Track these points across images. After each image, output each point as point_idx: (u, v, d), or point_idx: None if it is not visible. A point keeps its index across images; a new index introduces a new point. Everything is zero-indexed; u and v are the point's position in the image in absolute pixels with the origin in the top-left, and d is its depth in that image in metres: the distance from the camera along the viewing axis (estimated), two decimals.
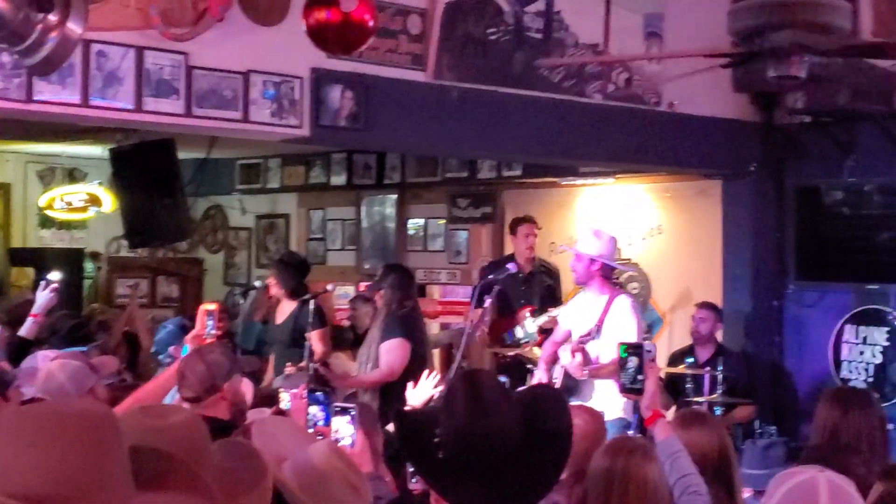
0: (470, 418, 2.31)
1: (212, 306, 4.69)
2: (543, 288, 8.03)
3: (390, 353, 6.62)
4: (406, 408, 4.57)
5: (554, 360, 6.53)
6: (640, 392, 3.78)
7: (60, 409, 1.58)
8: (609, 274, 6.52)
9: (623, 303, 6.35)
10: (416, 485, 3.69)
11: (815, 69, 3.36)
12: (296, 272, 7.92)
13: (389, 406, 6.10)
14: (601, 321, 6.32)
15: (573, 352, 6.25)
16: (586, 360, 6.23)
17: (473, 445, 2.29)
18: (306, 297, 7.40)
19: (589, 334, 6.35)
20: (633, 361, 3.82)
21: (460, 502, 2.32)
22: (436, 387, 4.87)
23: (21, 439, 1.50)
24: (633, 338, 6.13)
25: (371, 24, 4.21)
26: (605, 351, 6.24)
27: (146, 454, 1.63)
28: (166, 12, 5.43)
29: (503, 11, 6.54)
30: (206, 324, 4.57)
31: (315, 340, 7.25)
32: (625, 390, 3.88)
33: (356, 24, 4.08)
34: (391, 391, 6.47)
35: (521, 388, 5.02)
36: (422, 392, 4.88)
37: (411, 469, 3.63)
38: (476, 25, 6.43)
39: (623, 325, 6.24)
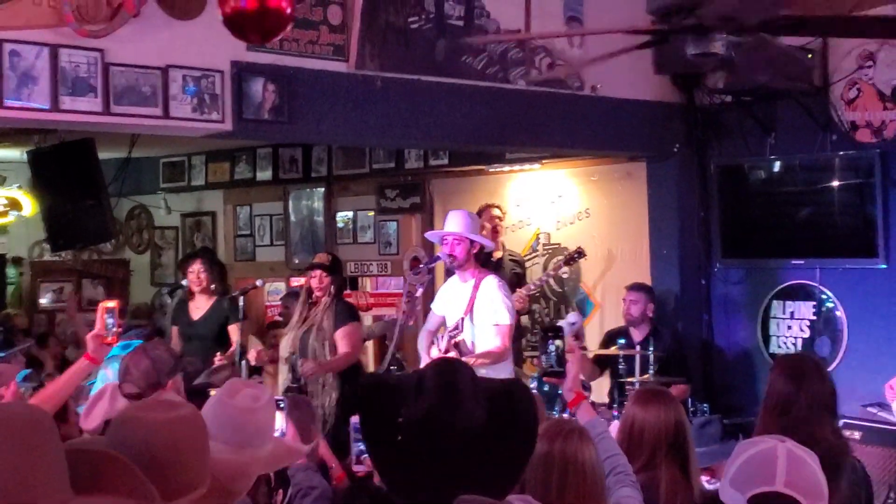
0: (440, 405, 2.25)
1: (111, 303, 4.57)
2: (512, 276, 8.04)
3: (351, 335, 6.85)
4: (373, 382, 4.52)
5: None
6: (561, 375, 3.78)
7: None
8: (480, 255, 6.53)
9: (490, 283, 6.32)
10: (359, 467, 3.67)
11: (734, 47, 3.39)
12: (221, 269, 7.94)
13: (350, 388, 6.14)
14: (471, 305, 6.30)
15: (446, 350, 6.23)
16: (461, 354, 6.20)
17: (438, 432, 2.24)
18: (236, 293, 7.40)
19: (457, 328, 6.33)
20: (553, 345, 3.82)
21: (404, 490, 2.27)
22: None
23: None
24: (504, 318, 6.16)
25: (288, 11, 4.16)
26: (480, 336, 6.23)
27: (84, 456, 1.60)
28: (80, 9, 5.32)
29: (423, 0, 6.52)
30: (106, 322, 4.46)
31: (234, 333, 7.40)
32: (546, 374, 3.88)
33: (273, 11, 4.04)
34: (352, 376, 6.70)
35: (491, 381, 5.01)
36: None
37: (356, 453, 3.61)
38: (397, 14, 6.40)
39: (492, 306, 6.21)
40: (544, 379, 3.84)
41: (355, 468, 3.96)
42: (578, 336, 7.54)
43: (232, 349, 7.31)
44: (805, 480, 2.50)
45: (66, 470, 1.52)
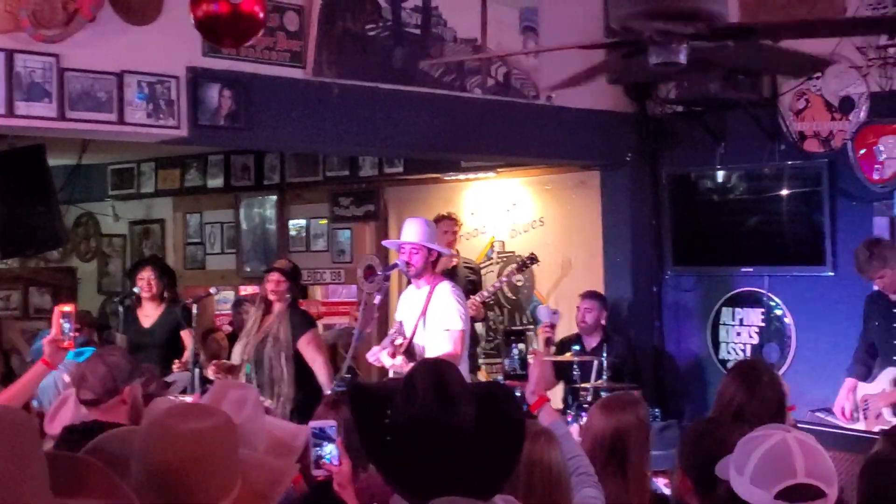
0: (429, 409, 2.27)
1: (67, 307, 4.54)
2: (468, 283, 8.05)
3: (314, 341, 6.91)
4: (360, 384, 4.52)
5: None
6: (524, 378, 3.81)
7: None
8: (436, 264, 6.56)
9: (444, 289, 6.33)
10: (318, 472, 3.67)
11: (696, 55, 3.45)
12: (171, 276, 7.92)
13: (310, 398, 6.13)
14: (424, 310, 6.33)
15: (392, 354, 6.24)
16: (410, 357, 6.21)
17: (429, 433, 2.25)
18: (190, 301, 7.37)
19: (399, 332, 6.34)
20: (517, 348, 3.86)
21: (405, 487, 2.29)
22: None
23: None
24: (456, 323, 6.19)
25: (261, 15, 4.17)
26: (431, 341, 6.26)
27: (64, 461, 1.60)
28: (36, 14, 5.28)
29: (381, 7, 6.54)
30: (62, 326, 4.43)
31: (188, 338, 7.41)
32: (509, 377, 3.91)
33: (245, 15, 4.04)
34: (308, 382, 6.73)
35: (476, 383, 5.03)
36: None
37: (315, 457, 3.61)
38: (354, 22, 6.42)
39: (443, 311, 6.25)
40: (507, 382, 3.86)
41: (315, 472, 3.97)
42: (553, 326, 7.59)
43: (187, 355, 7.29)
44: (822, 467, 2.54)
45: (46, 473, 1.52)
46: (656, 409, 7.23)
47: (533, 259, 8.24)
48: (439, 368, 2.39)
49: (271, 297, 6.94)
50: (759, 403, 4.11)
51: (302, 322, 6.94)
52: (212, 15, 4.02)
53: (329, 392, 5.55)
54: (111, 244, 12.75)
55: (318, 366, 6.87)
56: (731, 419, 4.06)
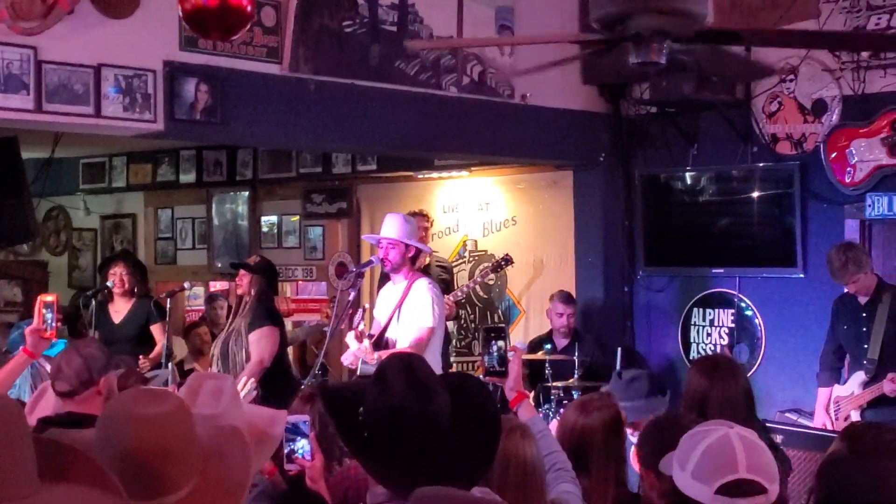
0: (405, 400, 2.27)
1: (50, 297, 4.53)
2: (440, 281, 8.05)
3: (260, 341, 6.72)
4: (329, 383, 4.53)
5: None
6: (504, 375, 3.84)
7: None
8: (416, 259, 6.57)
9: (420, 285, 6.35)
10: (291, 466, 3.69)
11: (675, 56, 3.49)
12: (142, 271, 7.92)
13: (271, 394, 6.10)
14: (399, 305, 6.34)
15: (358, 339, 6.21)
16: (380, 349, 6.20)
17: (406, 427, 2.26)
18: (163, 295, 7.35)
19: (361, 319, 6.32)
20: (496, 345, 3.87)
21: (388, 480, 2.30)
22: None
23: None
24: (427, 319, 6.20)
25: (248, 9, 4.18)
26: (403, 335, 6.27)
27: (49, 447, 1.60)
28: (14, 5, 5.26)
29: (358, 4, 6.55)
30: (44, 316, 4.43)
31: (158, 332, 7.44)
32: (489, 374, 3.93)
33: (233, 8, 4.04)
34: (271, 378, 6.58)
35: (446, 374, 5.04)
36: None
37: (287, 452, 3.63)
38: (331, 18, 6.42)
39: (418, 306, 6.25)
40: (486, 379, 3.86)
41: (287, 467, 3.99)
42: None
43: (157, 350, 7.30)
44: (762, 463, 2.57)
45: (34, 460, 1.52)
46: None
47: (507, 261, 8.28)
48: (409, 360, 2.41)
49: (239, 291, 6.98)
50: (718, 393, 4.16)
51: (259, 316, 6.80)
52: (200, 8, 4.02)
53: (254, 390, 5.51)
54: (82, 238, 12.68)
55: (251, 363, 6.68)
56: (695, 412, 4.10)
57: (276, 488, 3.85)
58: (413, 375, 2.33)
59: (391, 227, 6.33)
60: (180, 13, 4.22)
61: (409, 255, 6.32)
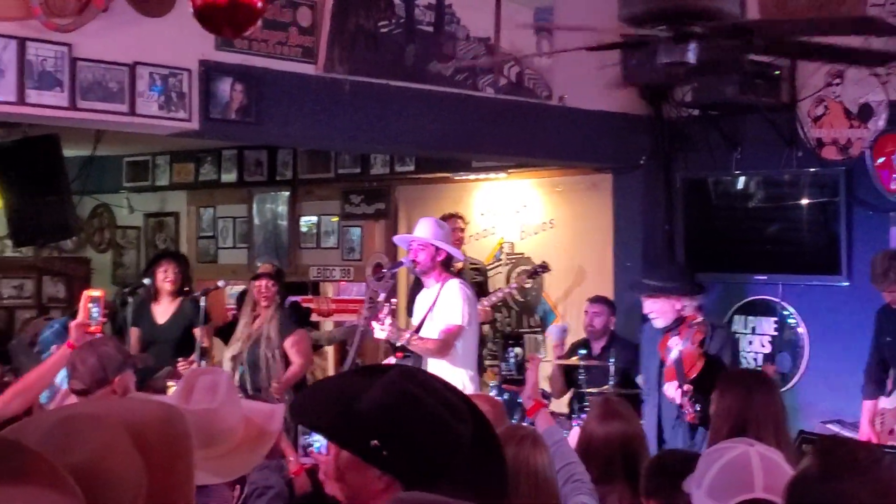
0: (435, 421, 2.10)
1: (96, 292, 4.53)
2: (474, 284, 8.01)
3: (299, 343, 7.00)
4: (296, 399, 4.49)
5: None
6: (521, 383, 3.78)
7: None
8: (448, 263, 6.52)
9: (452, 286, 6.30)
10: (306, 459, 3.66)
11: (705, 57, 3.40)
12: (188, 269, 7.90)
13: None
14: (432, 307, 6.30)
15: (381, 320, 6.17)
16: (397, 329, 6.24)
17: (433, 457, 2.10)
18: (197, 294, 7.32)
19: (388, 313, 6.30)
20: (513, 352, 3.82)
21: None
22: None
23: None
24: (455, 318, 6.15)
25: (259, 5, 4.15)
26: (432, 335, 6.24)
27: (6, 447, 1.55)
28: (49, 2, 5.27)
29: (394, 4, 6.51)
30: (90, 311, 4.42)
31: (204, 336, 7.30)
32: (506, 381, 3.87)
33: (244, 5, 4.02)
34: (300, 383, 6.82)
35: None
36: None
37: (303, 445, 3.59)
38: (367, 18, 6.39)
39: (448, 306, 6.21)
40: (503, 386, 3.81)
41: (303, 460, 3.98)
42: (563, 344, 7.54)
43: (193, 356, 7.23)
44: (782, 483, 2.46)
45: None
46: None
47: (544, 267, 8.22)
48: (424, 383, 2.19)
49: (262, 301, 7.00)
50: (758, 409, 4.03)
51: (290, 322, 7.00)
52: (210, 4, 4.00)
53: None
54: (126, 236, 12.78)
55: (295, 367, 6.98)
56: (733, 431, 3.98)
57: (294, 490, 3.83)
58: (440, 397, 2.15)
59: (422, 228, 6.32)
60: (191, 10, 4.20)
61: (440, 258, 6.27)
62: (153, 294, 7.56)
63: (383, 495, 2.13)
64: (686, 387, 5.68)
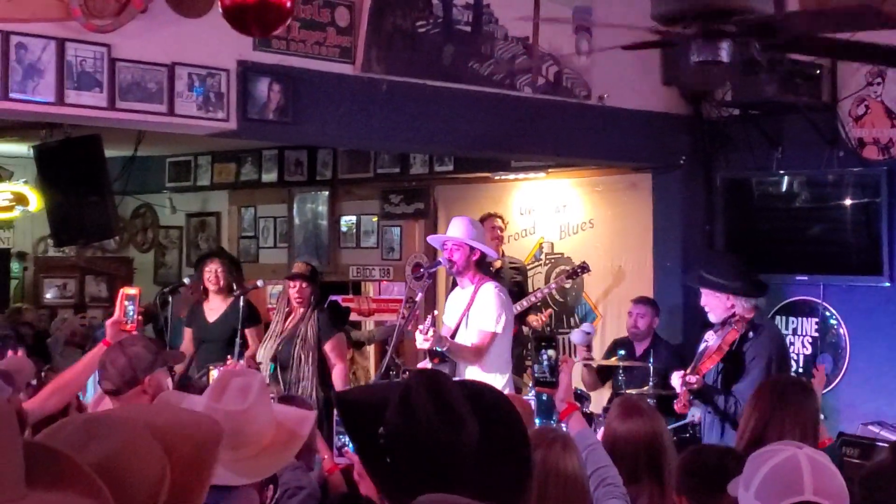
0: (432, 429, 2.06)
1: (133, 290, 4.55)
2: (513, 284, 7.99)
3: (338, 348, 7.02)
4: (343, 391, 4.48)
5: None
6: (554, 385, 3.75)
7: None
8: (482, 263, 6.48)
9: (487, 289, 6.25)
10: (341, 459, 3.66)
11: (740, 56, 3.37)
12: (237, 267, 7.93)
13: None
14: (467, 310, 6.27)
15: (423, 331, 6.14)
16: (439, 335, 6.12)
17: (432, 458, 2.07)
18: (236, 292, 7.37)
19: (431, 325, 6.25)
20: (546, 354, 3.79)
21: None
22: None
23: None
24: (490, 324, 6.10)
25: (288, 4, 4.16)
26: (469, 340, 6.20)
27: (43, 453, 1.56)
28: (88, 3, 5.32)
29: (432, 4, 6.51)
30: (126, 308, 4.44)
31: (252, 337, 7.35)
32: (539, 384, 3.84)
33: (273, 4, 4.03)
34: (330, 382, 6.80)
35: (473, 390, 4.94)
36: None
37: (338, 445, 3.59)
38: (405, 18, 6.39)
39: (484, 311, 6.16)
40: (536, 389, 3.79)
41: (337, 460, 3.98)
42: (589, 347, 7.49)
43: (250, 352, 7.24)
44: (831, 486, 2.44)
45: (22, 465, 1.49)
46: None
47: (584, 268, 8.19)
48: (437, 381, 2.16)
49: (295, 302, 6.99)
50: (786, 417, 3.99)
51: (329, 325, 6.99)
52: (239, 4, 4.02)
53: None
54: (168, 236, 12.88)
55: (337, 371, 7.01)
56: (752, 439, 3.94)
57: (330, 490, 3.84)
58: (441, 400, 2.10)
59: (456, 228, 6.27)
60: (220, 9, 4.22)
61: (474, 258, 6.22)
62: (204, 293, 7.59)
63: None
64: (691, 377, 5.64)
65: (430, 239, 7.04)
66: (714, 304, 5.96)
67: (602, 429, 4.13)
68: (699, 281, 6.15)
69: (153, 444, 1.61)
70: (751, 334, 5.84)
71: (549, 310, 8.35)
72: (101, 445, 1.57)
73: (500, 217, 8.42)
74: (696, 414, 6.22)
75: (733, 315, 5.86)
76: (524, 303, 7.89)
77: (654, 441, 3.70)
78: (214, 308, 7.57)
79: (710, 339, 5.91)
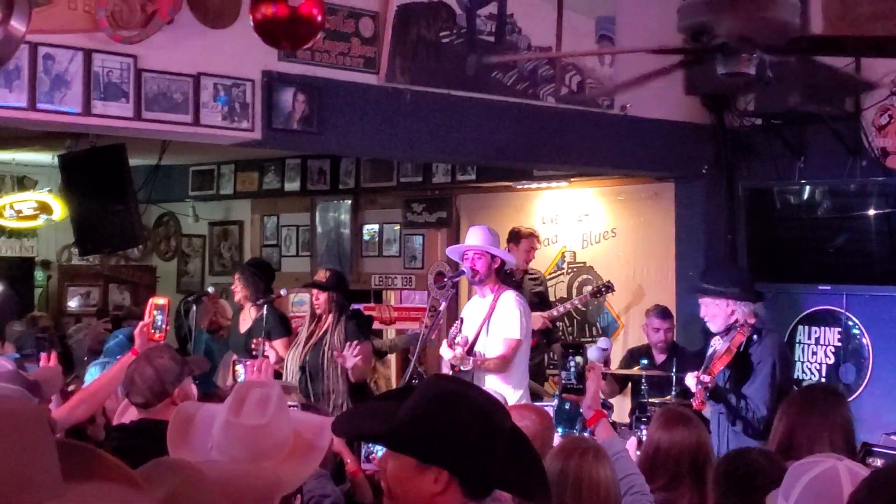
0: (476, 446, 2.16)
1: (162, 300, 4.60)
2: (533, 295, 8.01)
3: (367, 357, 6.90)
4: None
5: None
6: (581, 392, 3.77)
7: None
8: (502, 271, 6.49)
9: (508, 298, 6.28)
10: (368, 465, 3.68)
11: (766, 68, 3.37)
12: (264, 276, 7.97)
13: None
14: (487, 318, 6.28)
15: (450, 346, 6.17)
16: (468, 351, 6.18)
17: (480, 444, 2.17)
18: (261, 301, 7.41)
19: (458, 330, 6.28)
20: (573, 361, 3.80)
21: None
22: None
23: None
24: (515, 332, 6.13)
25: (319, 18, 4.19)
26: (491, 349, 6.22)
27: (74, 449, 1.63)
28: (114, 15, 5.37)
29: (455, 14, 6.54)
30: (154, 318, 4.48)
31: (281, 347, 7.34)
32: (566, 391, 3.86)
33: (304, 18, 4.06)
34: (360, 391, 6.71)
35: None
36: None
37: (365, 452, 3.62)
38: (428, 28, 6.42)
39: (506, 319, 6.18)
40: (563, 396, 3.81)
41: (364, 466, 3.99)
42: (607, 362, 7.50)
43: (274, 360, 7.27)
44: None
45: (58, 464, 1.55)
46: None
47: (609, 287, 8.23)
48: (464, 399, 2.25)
49: (317, 311, 6.98)
50: (810, 426, 4.00)
51: (356, 333, 6.93)
52: (270, 18, 4.04)
53: None
54: (191, 244, 12.94)
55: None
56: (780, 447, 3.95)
57: (356, 497, 3.86)
58: (475, 392, 2.25)
59: (475, 236, 6.30)
60: (251, 23, 4.25)
61: (496, 266, 6.26)
62: (241, 304, 7.79)
63: (439, 499, 2.17)
64: (705, 377, 5.71)
65: (449, 251, 7.04)
66: (714, 312, 6.02)
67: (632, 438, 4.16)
68: (698, 290, 6.22)
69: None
70: (755, 338, 5.94)
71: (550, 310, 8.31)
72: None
73: (538, 237, 8.43)
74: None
75: (735, 321, 5.94)
76: (554, 313, 7.98)
77: (700, 451, 3.72)
78: (246, 317, 7.73)
79: (717, 343, 6.00)
